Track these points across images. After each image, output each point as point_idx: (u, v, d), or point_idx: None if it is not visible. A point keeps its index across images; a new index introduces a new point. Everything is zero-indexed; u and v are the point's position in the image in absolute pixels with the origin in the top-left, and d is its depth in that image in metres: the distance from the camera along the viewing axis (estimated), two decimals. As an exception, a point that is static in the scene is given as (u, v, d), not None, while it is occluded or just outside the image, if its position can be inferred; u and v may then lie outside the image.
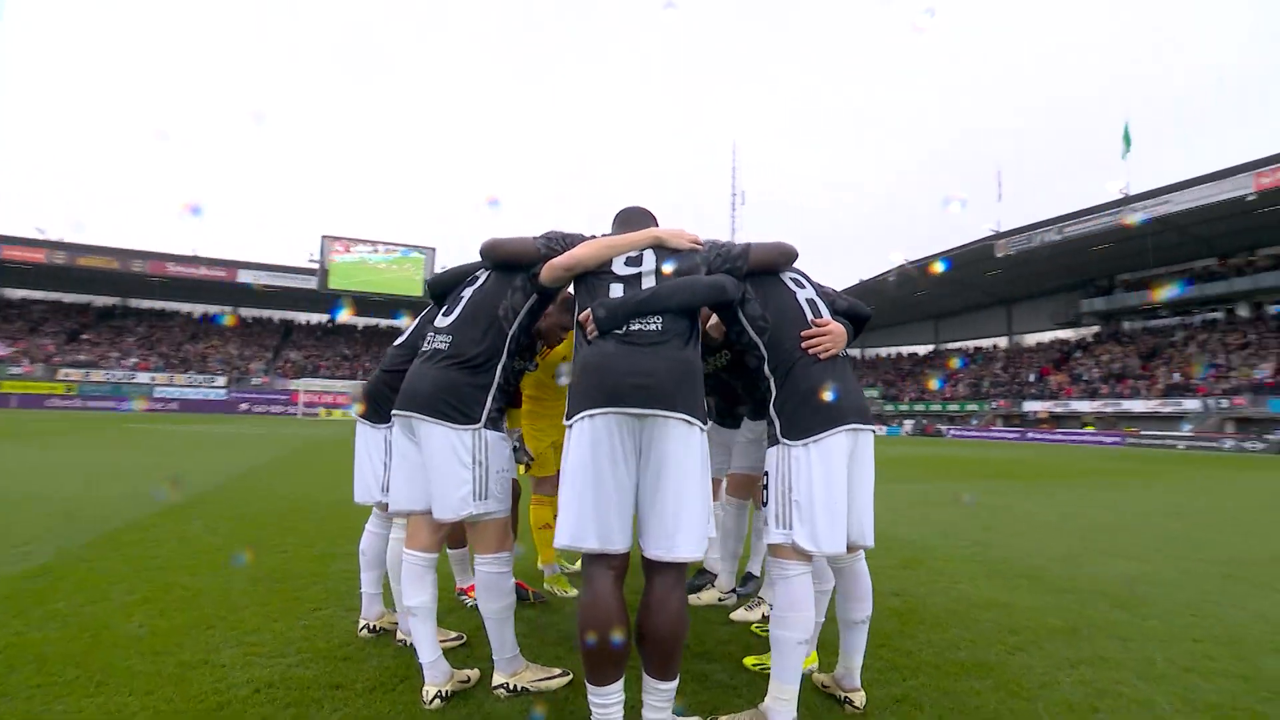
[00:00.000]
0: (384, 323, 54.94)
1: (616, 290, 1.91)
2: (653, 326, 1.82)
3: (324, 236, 47.37)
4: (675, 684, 1.75)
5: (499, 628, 2.09)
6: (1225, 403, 30.40)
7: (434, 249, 49.75)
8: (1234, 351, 33.56)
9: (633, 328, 1.82)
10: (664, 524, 1.69)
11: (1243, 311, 36.66)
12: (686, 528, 1.70)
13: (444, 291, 2.32)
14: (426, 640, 2.06)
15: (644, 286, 1.90)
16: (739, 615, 3.05)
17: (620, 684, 1.71)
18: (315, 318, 53.92)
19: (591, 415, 1.71)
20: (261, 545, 4.12)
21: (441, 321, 2.19)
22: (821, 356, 1.99)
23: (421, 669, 2.08)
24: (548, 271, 2.06)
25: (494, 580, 2.06)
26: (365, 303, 49.60)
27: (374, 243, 48.74)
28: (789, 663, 1.91)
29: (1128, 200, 33.33)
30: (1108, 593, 3.66)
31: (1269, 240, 34.35)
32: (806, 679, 2.38)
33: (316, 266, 47.16)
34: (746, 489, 3.24)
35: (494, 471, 2.03)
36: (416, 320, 2.63)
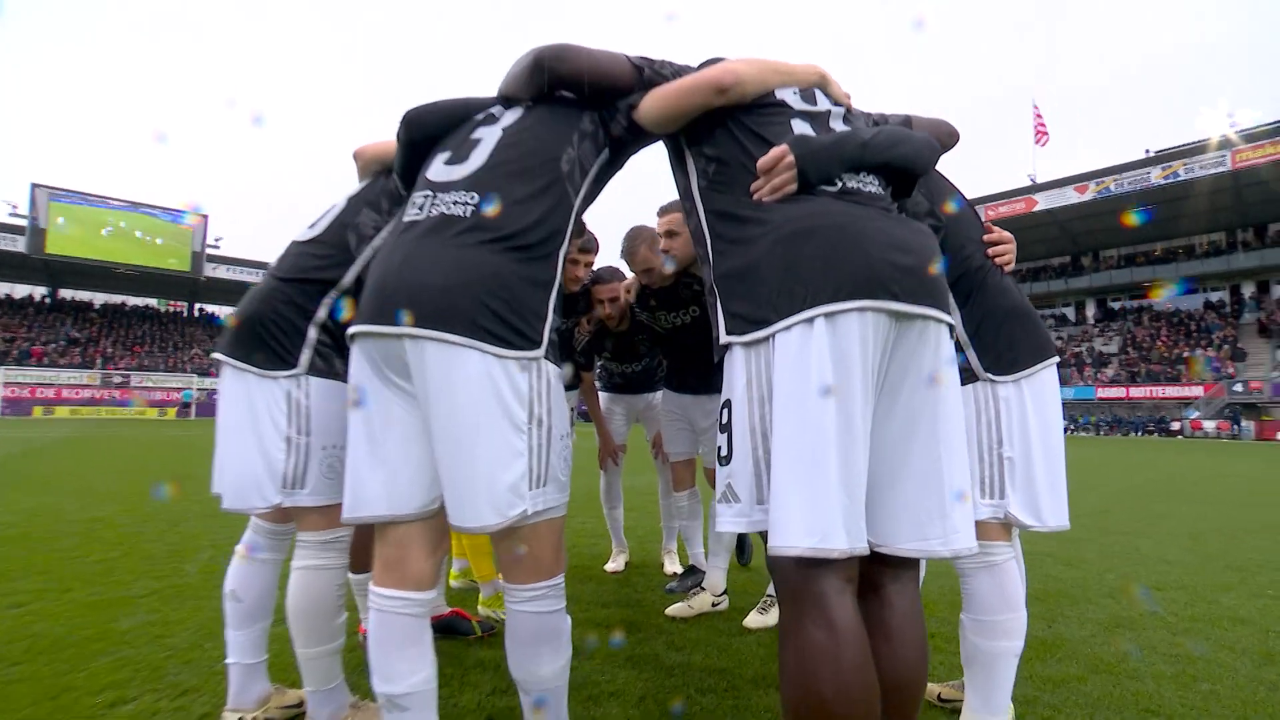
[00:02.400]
0: (132, 300, 44.42)
1: (802, 128, 1.17)
2: (873, 188, 1.13)
3: (35, 186, 36.43)
4: None
5: (554, 701, 1.22)
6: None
7: (206, 216, 41.36)
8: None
9: (849, 184, 1.11)
10: (936, 495, 1.01)
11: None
12: (964, 501, 1.04)
13: (434, 131, 1.35)
14: (428, 747, 1.13)
15: (833, 129, 1.19)
16: (754, 621, 2.45)
17: None
18: (25, 290, 41.65)
19: (830, 314, 0.96)
20: (-29, 597, 2.51)
21: (445, 173, 1.23)
22: (1007, 269, 1.49)
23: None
24: (668, 100, 1.22)
25: (550, 626, 1.19)
26: (108, 276, 39.54)
27: (130, 203, 38.83)
28: (1003, 683, 1.38)
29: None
30: (1050, 554, 3.74)
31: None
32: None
33: (24, 224, 36.22)
34: None
35: (557, 436, 1.16)
36: (344, 201, 1.58)
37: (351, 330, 1.14)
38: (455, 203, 1.16)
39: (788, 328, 0.98)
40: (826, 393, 0.94)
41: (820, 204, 1.07)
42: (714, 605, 2.62)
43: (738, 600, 2.72)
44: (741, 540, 3.08)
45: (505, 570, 1.20)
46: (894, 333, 1.00)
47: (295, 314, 1.43)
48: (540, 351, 1.12)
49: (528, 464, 1.10)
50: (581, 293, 2.90)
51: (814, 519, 0.92)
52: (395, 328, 1.07)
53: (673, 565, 3.26)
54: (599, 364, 3.40)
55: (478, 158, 1.22)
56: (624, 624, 2.40)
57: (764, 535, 1.05)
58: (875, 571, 1.07)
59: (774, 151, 1.09)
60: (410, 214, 1.20)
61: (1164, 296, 36.71)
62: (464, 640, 2.24)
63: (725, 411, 1.07)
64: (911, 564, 1.09)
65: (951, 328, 1.06)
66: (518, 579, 1.18)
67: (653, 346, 3.18)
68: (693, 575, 2.95)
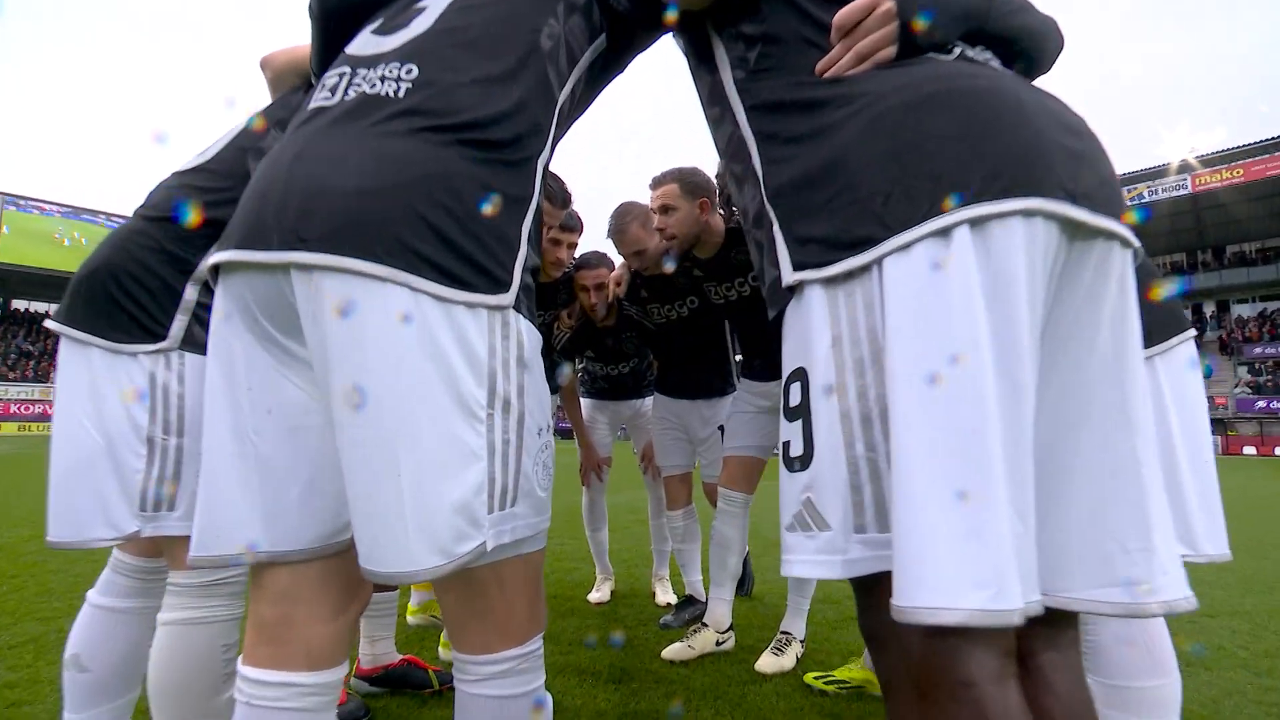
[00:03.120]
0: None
1: None
2: (996, 64, 0.77)
3: (-5, 193, 34.94)
4: None
5: None
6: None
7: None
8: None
9: (969, 54, 0.75)
10: (1133, 514, 0.62)
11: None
12: (1165, 527, 0.67)
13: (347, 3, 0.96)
14: None
15: None
16: (770, 665, 2.06)
17: None
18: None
19: (979, 219, 0.58)
20: None
21: (372, 44, 0.84)
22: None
23: None
24: None
25: (519, 716, 0.79)
26: (65, 286, 37.91)
27: (73, 209, 37.30)
28: None
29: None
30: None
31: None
32: None
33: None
34: (751, 477, 2.28)
35: (533, 430, 0.77)
36: (246, 120, 1.18)
37: (213, 259, 0.74)
38: (383, 78, 0.77)
39: (905, 246, 0.61)
40: (980, 347, 0.57)
41: (939, 67, 0.71)
42: (718, 644, 2.22)
43: (743, 636, 2.33)
44: (744, 564, 2.70)
45: (455, 632, 0.81)
46: (1064, 256, 0.64)
47: (165, 265, 1.03)
48: (509, 298, 0.74)
49: (488, 471, 0.71)
50: (563, 281, 2.52)
51: (981, 562, 0.54)
52: (277, 253, 0.68)
53: (665, 595, 2.85)
54: (580, 366, 3.02)
55: (420, 24, 0.84)
56: (613, 670, 2.00)
57: (857, 584, 0.68)
58: (1024, 633, 0.69)
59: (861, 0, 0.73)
60: (317, 99, 0.81)
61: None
62: (418, 696, 1.81)
63: (796, 389, 0.70)
64: (1073, 622, 0.72)
65: (1137, 252, 0.71)
66: (473, 646, 0.78)
67: (641, 345, 2.81)
68: (690, 607, 2.57)
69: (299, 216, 0.68)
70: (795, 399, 0.70)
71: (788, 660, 2.08)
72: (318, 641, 0.74)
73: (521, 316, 0.76)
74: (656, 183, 2.12)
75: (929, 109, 0.65)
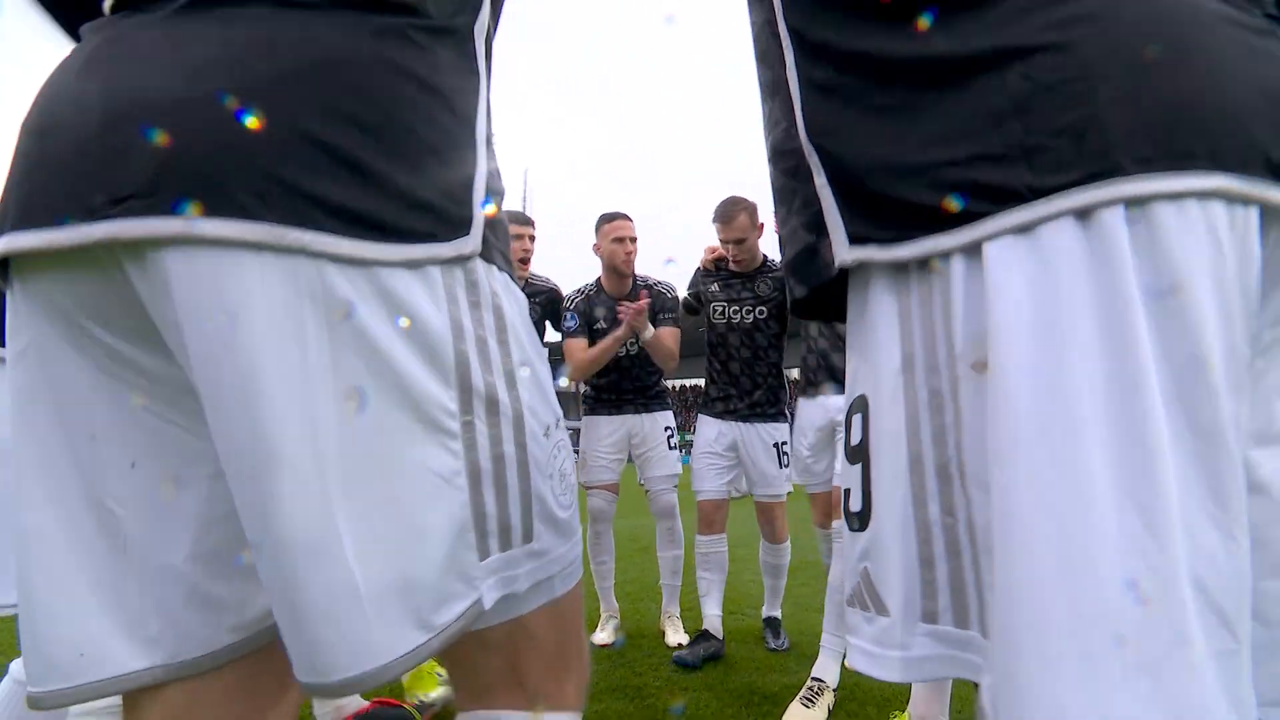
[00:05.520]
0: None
1: None
2: None
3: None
4: None
5: None
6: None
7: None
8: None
9: None
10: None
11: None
12: None
13: None
14: None
15: None
16: (798, 718, 1.86)
17: None
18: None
19: (1140, 198, 0.39)
20: None
21: None
22: None
23: None
24: None
25: None
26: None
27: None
28: None
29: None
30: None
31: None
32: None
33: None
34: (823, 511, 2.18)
35: (534, 435, 0.54)
36: None
37: None
38: None
39: (1024, 228, 0.42)
40: (1142, 384, 0.39)
41: None
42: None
43: (762, 682, 2.12)
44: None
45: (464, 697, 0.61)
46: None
47: None
48: (471, 242, 0.52)
49: (472, 505, 0.50)
50: (537, 291, 2.52)
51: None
52: (81, 226, 0.43)
53: (677, 635, 2.60)
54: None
55: None
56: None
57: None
58: None
59: None
60: None
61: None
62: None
63: (857, 423, 0.52)
64: None
65: None
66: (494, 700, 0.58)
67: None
68: (705, 642, 2.37)
69: (106, 157, 0.43)
70: (857, 435, 0.53)
71: (819, 713, 1.87)
72: None
73: (494, 268, 0.55)
74: (728, 216, 2.30)
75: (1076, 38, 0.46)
